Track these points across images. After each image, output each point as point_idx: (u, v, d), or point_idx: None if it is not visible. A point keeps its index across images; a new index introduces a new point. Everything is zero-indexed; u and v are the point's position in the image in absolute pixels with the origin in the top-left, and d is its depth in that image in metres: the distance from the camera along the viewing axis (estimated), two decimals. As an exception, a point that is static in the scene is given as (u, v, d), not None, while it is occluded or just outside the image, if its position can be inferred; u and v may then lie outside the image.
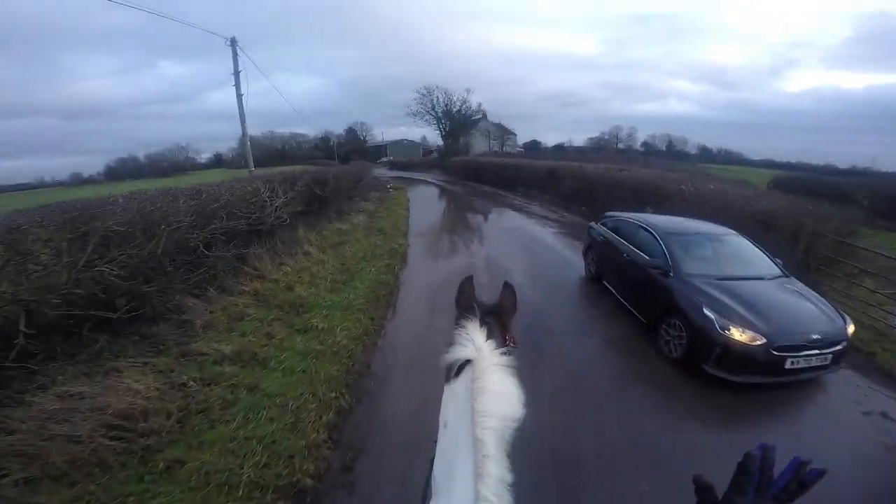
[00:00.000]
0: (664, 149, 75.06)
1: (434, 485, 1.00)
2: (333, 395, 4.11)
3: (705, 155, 74.41)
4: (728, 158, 73.14)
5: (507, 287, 1.38)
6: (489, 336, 1.14)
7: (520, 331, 6.11)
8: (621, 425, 4.08)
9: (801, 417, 4.37)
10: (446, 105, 49.80)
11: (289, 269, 7.35)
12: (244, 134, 13.98)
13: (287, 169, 14.71)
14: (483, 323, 1.18)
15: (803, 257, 7.66)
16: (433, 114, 50.36)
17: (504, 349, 1.16)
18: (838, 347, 4.56)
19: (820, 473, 0.71)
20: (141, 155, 64.51)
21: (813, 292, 5.33)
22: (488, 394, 0.97)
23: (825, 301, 5.18)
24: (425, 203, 19.55)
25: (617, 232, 7.22)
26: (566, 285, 8.04)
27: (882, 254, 7.61)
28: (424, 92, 49.77)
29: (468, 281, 1.43)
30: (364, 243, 9.61)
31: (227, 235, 6.81)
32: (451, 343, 1.15)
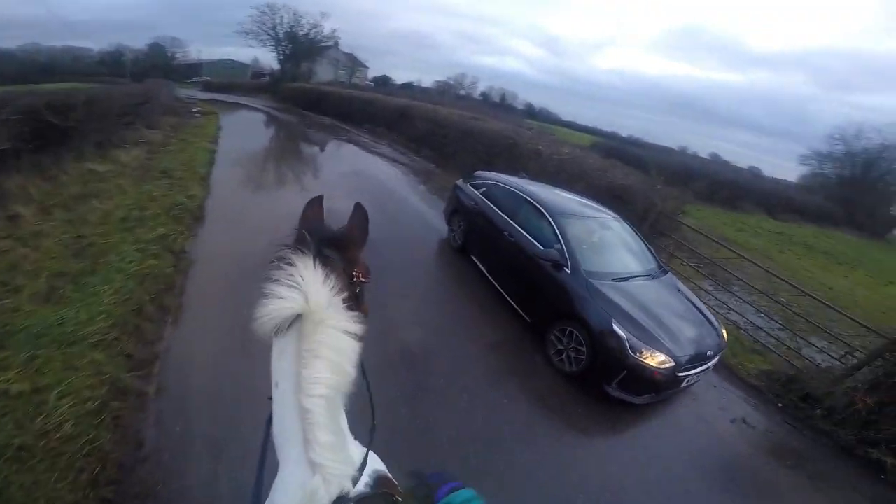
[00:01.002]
0: (498, 101, 79.62)
1: (276, 447, 0.92)
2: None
3: (529, 111, 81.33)
4: (547, 117, 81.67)
5: (358, 209, 1.15)
6: (328, 274, 0.89)
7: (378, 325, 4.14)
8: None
9: (686, 429, 3.98)
10: (291, 27, 42.87)
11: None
12: None
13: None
14: (319, 257, 0.91)
15: (647, 234, 7.73)
16: (272, 34, 42.88)
17: (348, 290, 0.95)
18: (717, 358, 4.19)
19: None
20: None
21: (692, 294, 4.92)
22: (317, 360, 0.83)
23: (703, 304, 4.82)
24: (244, 134, 15.10)
25: (493, 200, 5.78)
26: (425, 255, 6.50)
27: (701, 232, 8.18)
28: (266, 10, 41.76)
29: (316, 201, 1.16)
30: (130, 195, 6.07)
31: None
32: (273, 280, 0.86)
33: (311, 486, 0.78)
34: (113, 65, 52.12)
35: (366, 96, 21.30)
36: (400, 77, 70.38)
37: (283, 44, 43.30)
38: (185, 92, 34.36)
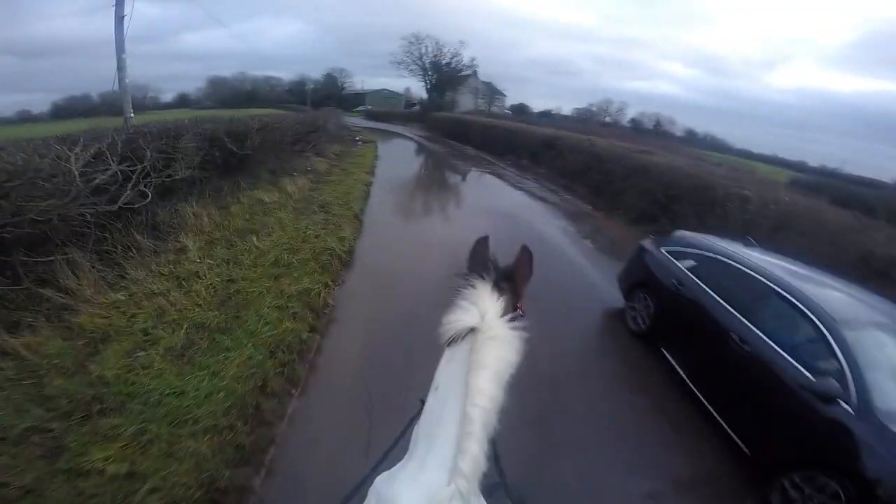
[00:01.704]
0: (651, 127, 72.45)
1: (412, 442, 1.00)
2: None
3: (691, 138, 71.71)
4: (712, 144, 70.98)
5: (525, 251, 1.20)
6: (500, 301, 1.02)
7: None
8: None
9: None
10: (435, 56, 45.69)
11: (122, 296, 3.90)
12: (120, 67, 8.73)
13: (253, 112, 11.23)
14: (496, 287, 1.05)
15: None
16: (419, 64, 46.18)
17: (512, 317, 1.05)
18: None
19: None
20: (94, 94, 57.75)
21: None
22: (486, 370, 0.90)
23: None
24: (398, 164, 15.82)
25: (707, 280, 4.08)
26: (587, 332, 5.06)
27: None
28: (413, 40, 45.30)
29: (484, 241, 1.24)
30: (287, 232, 5.99)
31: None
32: (454, 302, 1.02)
33: (443, 494, 0.78)
34: (298, 93, 62.42)
35: (508, 126, 20.74)
36: (537, 104, 69.04)
37: (429, 73, 46.34)
38: (351, 120, 38.89)
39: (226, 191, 7.09)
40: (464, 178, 14.75)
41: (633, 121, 73.71)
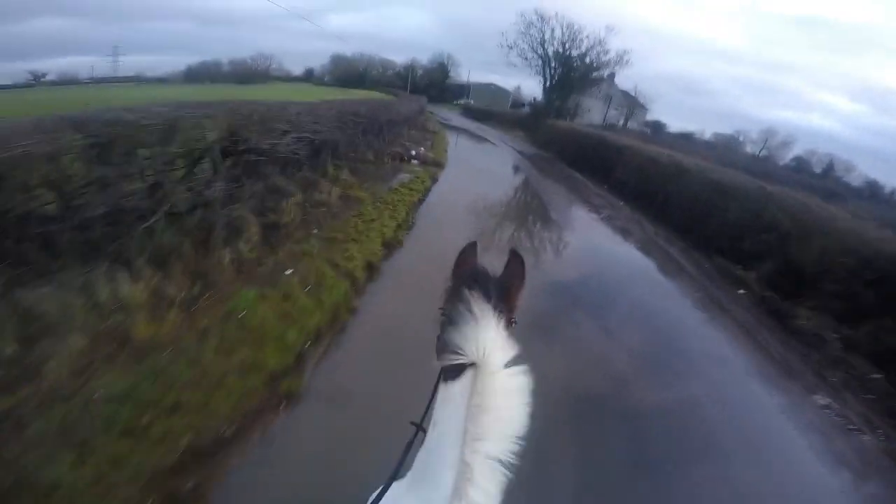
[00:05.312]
0: (818, 171, 53.58)
1: (412, 469, 0.90)
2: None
3: (873, 192, 51.09)
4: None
5: (515, 257, 1.03)
6: (504, 324, 0.84)
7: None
8: None
9: None
10: (565, 44, 31.67)
11: None
12: None
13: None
14: (496, 309, 0.84)
15: None
16: (539, 52, 32.51)
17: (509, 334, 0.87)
18: None
19: None
20: (225, 60, 59.60)
21: None
22: (486, 415, 0.77)
23: None
24: (449, 249, 6.16)
25: None
26: None
27: None
28: (534, 19, 31.77)
29: (471, 248, 1.07)
30: None
31: None
32: (448, 323, 0.84)
33: None
34: (405, 77, 56.92)
35: (728, 181, 8.88)
36: (670, 124, 54.59)
37: (552, 66, 32.74)
38: (444, 114, 29.92)
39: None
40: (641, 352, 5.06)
41: (797, 159, 55.57)
